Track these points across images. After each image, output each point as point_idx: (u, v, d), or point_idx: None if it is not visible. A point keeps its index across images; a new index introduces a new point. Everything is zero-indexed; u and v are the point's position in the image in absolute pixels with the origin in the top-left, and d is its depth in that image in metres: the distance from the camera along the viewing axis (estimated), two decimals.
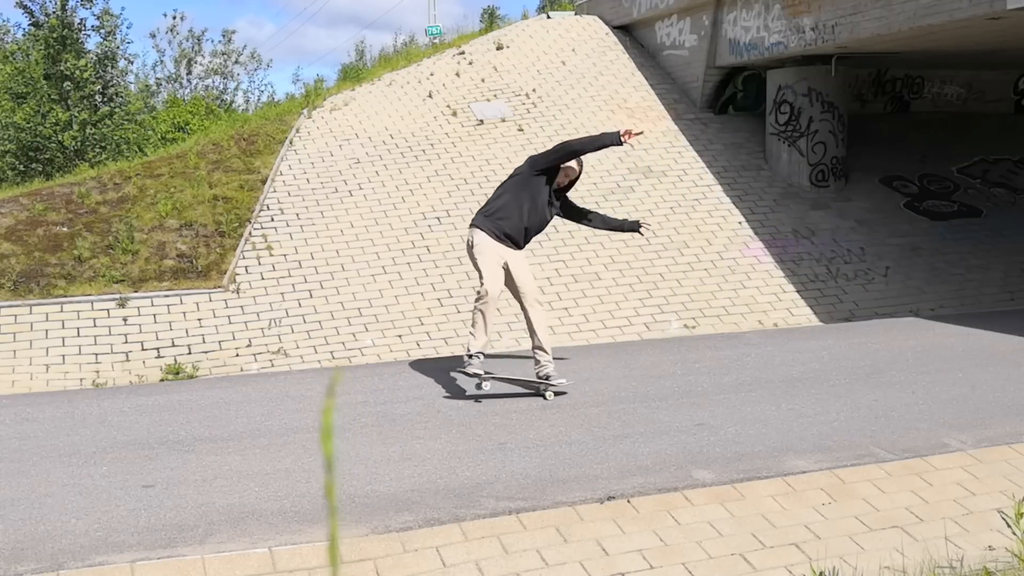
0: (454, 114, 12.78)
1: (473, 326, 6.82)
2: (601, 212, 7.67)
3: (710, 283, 10.66)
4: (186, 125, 25.22)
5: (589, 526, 4.49)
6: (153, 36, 37.78)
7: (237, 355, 8.99)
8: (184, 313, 9.40)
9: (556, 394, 6.86)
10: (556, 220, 11.27)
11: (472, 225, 7.02)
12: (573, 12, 15.85)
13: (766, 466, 5.19)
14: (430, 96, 13.15)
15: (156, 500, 4.87)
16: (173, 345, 9.03)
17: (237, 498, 4.88)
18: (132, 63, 28.24)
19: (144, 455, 5.71)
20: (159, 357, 8.89)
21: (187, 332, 9.20)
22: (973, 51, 12.11)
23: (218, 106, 30.15)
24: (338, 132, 12.40)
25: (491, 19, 21.25)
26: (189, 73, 33.41)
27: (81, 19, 20.74)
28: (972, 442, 5.58)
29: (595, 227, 7.67)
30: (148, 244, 10.17)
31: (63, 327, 9.06)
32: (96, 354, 8.85)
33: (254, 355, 9.00)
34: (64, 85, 19.99)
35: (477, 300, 6.78)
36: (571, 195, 7.47)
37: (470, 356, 6.76)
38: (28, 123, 20.07)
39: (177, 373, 8.65)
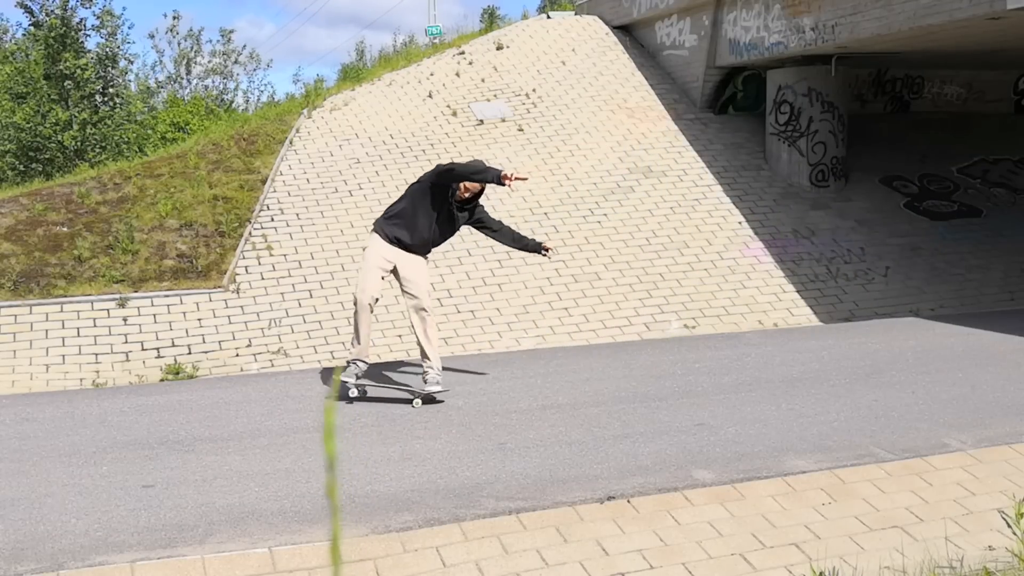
0: (454, 114, 12.78)
1: (353, 333, 6.90)
2: (510, 228, 7.54)
3: (710, 283, 10.66)
4: (186, 125, 25.21)
5: (589, 526, 4.49)
6: (152, 36, 37.79)
7: (237, 355, 8.99)
8: (184, 313, 9.40)
9: (426, 402, 6.72)
10: (556, 221, 11.28)
11: (372, 228, 7.06)
12: (573, 12, 15.85)
13: (766, 466, 5.19)
14: (430, 96, 13.15)
15: (156, 500, 4.87)
16: (173, 345, 9.03)
17: (237, 498, 4.88)
18: (132, 63, 28.26)
19: (144, 455, 5.71)
20: (159, 357, 8.89)
21: (187, 332, 9.20)
22: (973, 51, 12.11)
23: (218, 106, 30.14)
24: (338, 132, 12.40)
25: (491, 19, 21.26)
26: (188, 73, 33.41)
27: (81, 19, 20.74)
28: (972, 442, 5.58)
29: (503, 242, 7.44)
30: (148, 244, 10.17)
31: (63, 327, 9.06)
32: (96, 354, 8.85)
33: (254, 355, 9.00)
34: (64, 84, 19.99)
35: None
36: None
37: (347, 363, 6.84)
38: (28, 123, 20.07)
39: (177, 373, 8.65)
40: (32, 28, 20.98)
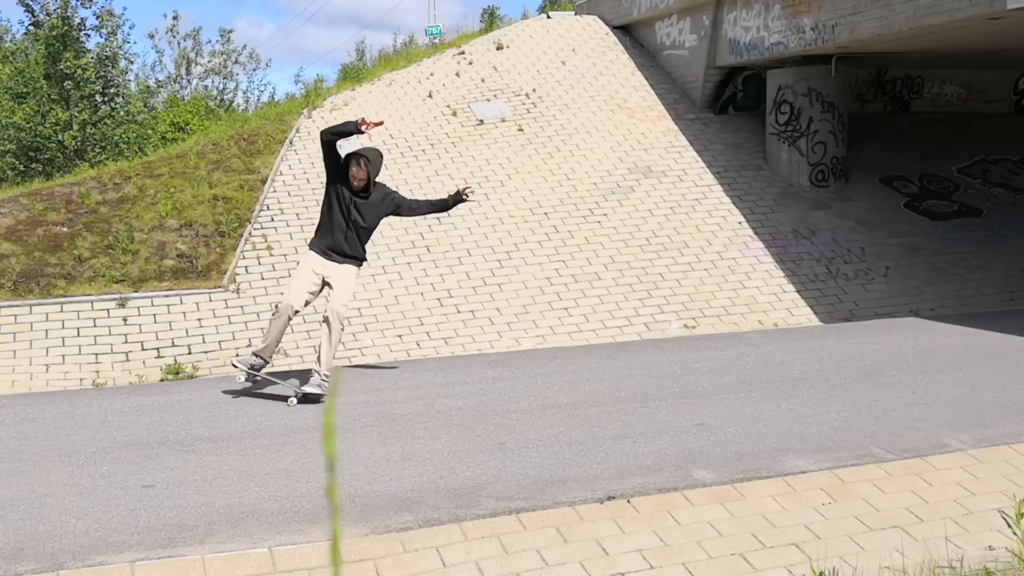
0: (454, 114, 12.78)
1: (265, 331, 7.23)
2: (427, 200, 7.77)
3: (710, 283, 10.66)
4: (186, 125, 25.21)
5: (589, 526, 4.49)
6: (152, 36, 37.79)
7: (237, 355, 8.98)
8: (184, 313, 9.40)
9: (301, 401, 6.84)
10: (556, 221, 11.25)
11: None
12: (573, 12, 15.86)
13: (766, 466, 5.19)
14: (430, 96, 13.15)
15: (156, 500, 4.87)
16: (173, 345, 9.03)
17: (237, 498, 4.88)
18: (132, 63, 28.26)
19: (144, 455, 5.71)
20: (159, 357, 8.89)
21: (187, 332, 9.19)
22: (973, 51, 12.12)
23: (218, 106, 30.15)
24: None
25: (491, 19, 21.25)
26: (188, 73, 33.42)
27: (82, 19, 20.75)
28: (972, 442, 5.58)
29: (427, 212, 7.71)
30: (148, 244, 10.17)
31: (63, 327, 9.06)
32: (96, 354, 8.84)
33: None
34: (64, 85, 19.99)
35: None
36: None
37: (253, 354, 7.15)
38: (28, 123, 20.07)
39: (177, 373, 8.65)
40: (32, 28, 20.98)
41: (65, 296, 9.36)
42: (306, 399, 6.91)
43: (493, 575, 4.13)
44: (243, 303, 9.62)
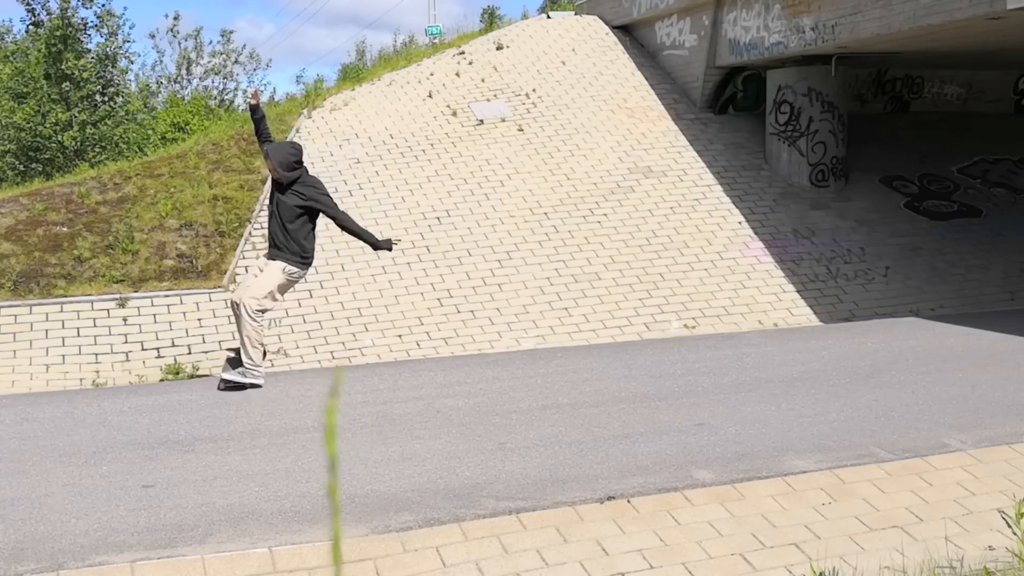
0: (454, 114, 12.78)
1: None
2: (349, 217, 8.01)
3: (710, 283, 10.66)
4: (186, 125, 25.21)
5: (589, 526, 4.49)
6: (153, 36, 37.78)
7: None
8: (184, 313, 9.40)
9: (224, 388, 7.44)
10: (556, 221, 11.25)
11: None
12: (573, 12, 15.85)
13: (766, 466, 5.19)
14: (430, 96, 13.15)
15: (156, 500, 4.87)
16: (173, 345, 9.03)
17: (237, 498, 4.88)
18: (132, 63, 28.25)
19: (144, 455, 5.71)
20: (159, 357, 8.89)
21: (187, 332, 9.20)
22: (973, 51, 12.12)
23: (218, 106, 30.14)
24: (338, 132, 12.40)
25: (491, 19, 21.24)
26: (189, 74, 33.42)
27: (82, 18, 20.74)
28: (972, 442, 5.58)
29: (348, 231, 7.82)
30: (148, 244, 10.17)
31: (63, 327, 9.06)
32: (96, 354, 8.85)
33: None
34: (64, 85, 19.98)
35: None
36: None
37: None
38: (28, 123, 20.07)
39: (177, 373, 8.65)
40: (32, 27, 20.97)
41: (65, 296, 9.36)
42: (228, 386, 7.44)
43: (493, 575, 4.13)
44: None
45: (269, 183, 7.94)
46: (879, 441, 5.62)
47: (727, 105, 13.68)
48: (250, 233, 10.50)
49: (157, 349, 8.98)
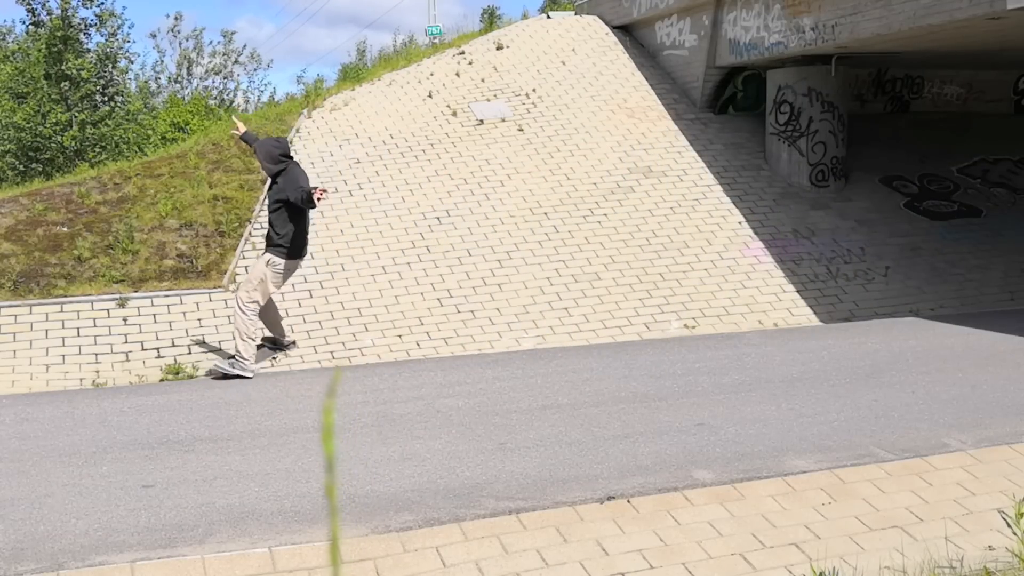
0: (454, 114, 12.78)
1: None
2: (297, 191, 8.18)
3: (710, 283, 10.66)
4: (186, 125, 25.20)
5: (589, 526, 4.49)
6: (154, 36, 37.77)
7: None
8: (184, 313, 9.40)
9: (216, 377, 7.96)
10: (556, 221, 11.30)
11: None
12: (573, 12, 15.85)
13: (766, 466, 5.19)
14: (430, 96, 13.15)
15: (156, 500, 4.87)
16: (173, 345, 9.03)
17: (237, 498, 4.88)
18: (132, 62, 28.25)
19: (144, 455, 5.71)
20: (159, 357, 8.89)
21: (187, 332, 9.20)
22: (973, 51, 12.12)
23: (218, 106, 30.14)
24: (338, 132, 12.40)
25: (491, 19, 21.24)
26: (189, 74, 33.42)
27: (82, 18, 20.73)
28: (972, 442, 5.58)
29: (296, 202, 7.93)
30: (148, 244, 10.17)
31: (63, 327, 9.06)
32: (96, 354, 8.84)
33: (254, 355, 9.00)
34: (63, 85, 19.97)
35: None
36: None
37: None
38: (28, 123, 20.06)
39: (177, 373, 8.65)
40: (33, 27, 20.97)
41: (65, 296, 9.36)
42: (216, 376, 8.00)
43: (493, 575, 4.13)
44: None
45: (269, 181, 8.30)
46: (879, 441, 5.62)
47: (727, 105, 13.68)
48: (250, 233, 10.50)
49: (157, 349, 8.97)
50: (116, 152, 20.10)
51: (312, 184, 8.29)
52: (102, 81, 20.96)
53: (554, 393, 7.04)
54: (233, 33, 36.10)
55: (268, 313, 8.31)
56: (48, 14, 20.29)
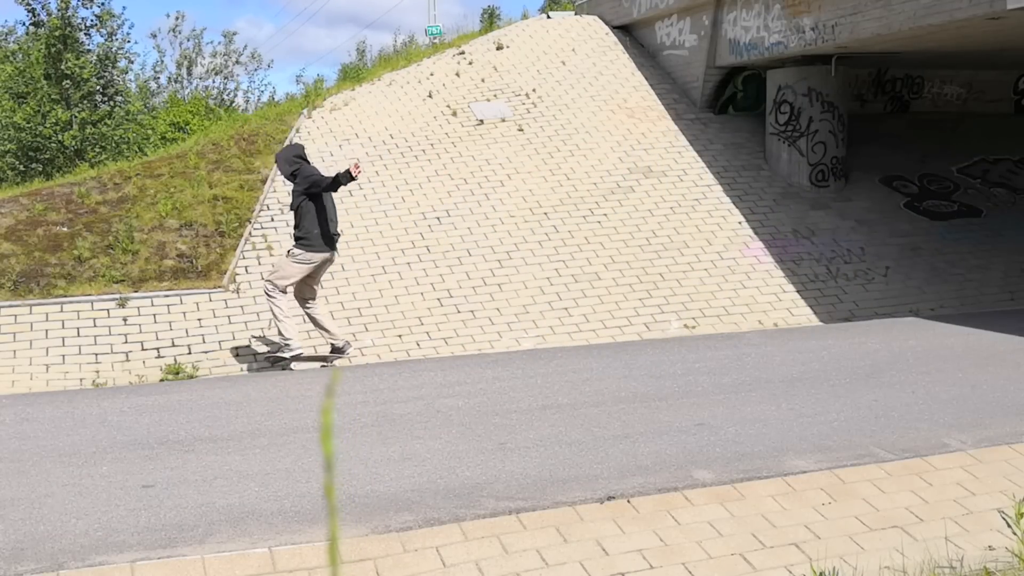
0: (454, 114, 12.78)
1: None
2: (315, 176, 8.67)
3: (710, 283, 10.66)
4: (186, 125, 25.20)
5: (589, 526, 4.49)
6: (154, 36, 37.76)
7: (237, 355, 8.99)
8: (184, 313, 9.40)
9: (273, 362, 8.55)
10: (556, 221, 11.34)
11: None
12: (573, 12, 15.85)
13: (766, 466, 5.19)
14: (430, 96, 13.15)
15: (156, 500, 4.87)
16: (173, 345, 9.03)
17: (237, 498, 4.88)
18: (132, 63, 28.23)
19: (144, 455, 5.71)
20: (159, 357, 8.89)
21: (187, 332, 9.20)
22: (973, 51, 12.12)
23: (218, 106, 30.14)
24: (338, 132, 12.40)
25: (491, 19, 21.24)
26: (189, 74, 33.42)
27: (82, 18, 20.72)
28: (972, 442, 5.58)
29: (321, 188, 8.42)
30: (148, 244, 10.17)
31: (63, 327, 9.06)
32: (96, 354, 8.85)
33: (254, 355, 9.00)
34: (64, 84, 19.97)
35: None
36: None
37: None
38: (28, 123, 20.05)
39: (177, 373, 8.65)
40: (32, 27, 20.96)
41: (65, 296, 9.36)
42: (273, 362, 8.58)
43: (493, 575, 4.13)
44: (243, 303, 9.62)
45: (288, 185, 8.96)
46: (879, 441, 5.62)
47: (727, 105, 13.68)
48: (250, 233, 10.50)
49: (157, 349, 8.98)
50: (116, 152, 20.09)
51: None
52: (102, 81, 20.95)
53: (554, 393, 7.04)
54: (234, 34, 36.13)
55: (314, 320, 8.58)
56: (48, 14, 20.28)
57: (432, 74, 13.65)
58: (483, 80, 13.50)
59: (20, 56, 23.73)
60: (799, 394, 6.78)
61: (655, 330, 9.84)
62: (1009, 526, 3.25)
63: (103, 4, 20.90)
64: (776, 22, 11.98)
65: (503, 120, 12.77)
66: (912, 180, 13.11)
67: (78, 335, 9.02)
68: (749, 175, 12.59)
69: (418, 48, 20.10)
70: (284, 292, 8.33)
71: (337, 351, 8.61)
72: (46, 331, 9.01)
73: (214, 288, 9.71)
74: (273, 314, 8.41)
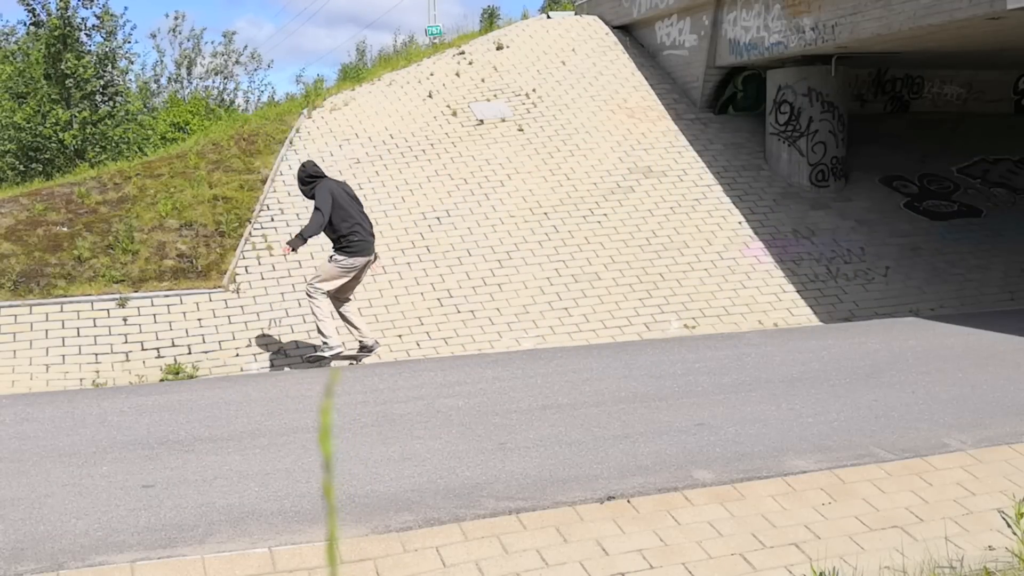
0: (454, 114, 12.78)
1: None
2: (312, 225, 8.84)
3: (710, 283, 10.66)
4: (186, 125, 25.20)
5: (589, 526, 4.49)
6: (154, 36, 37.77)
7: (237, 355, 8.99)
8: (184, 313, 9.40)
9: (312, 361, 8.70)
10: (556, 221, 11.34)
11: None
12: (573, 12, 15.85)
13: (766, 466, 5.19)
14: (430, 96, 13.15)
15: (156, 500, 4.87)
16: (173, 345, 9.03)
17: (237, 498, 4.88)
18: (132, 63, 28.25)
19: (144, 455, 5.71)
20: (159, 357, 8.89)
21: (187, 332, 9.20)
22: (973, 51, 12.12)
23: (218, 106, 30.13)
24: (338, 132, 12.40)
25: (491, 19, 21.23)
26: (189, 74, 33.43)
27: (82, 19, 20.73)
28: (972, 442, 5.58)
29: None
30: (148, 244, 10.17)
31: (63, 327, 9.06)
32: (96, 354, 8.85)
33: (254, 355, 9.00)
34: (65, 83, 19.97)
35: None
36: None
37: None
38: (28, 123, 20.06)
39: (177, 373, 8.65)
40: (32, 28, 20.96)
41: (65, 296, 9.36)
42: (312, 362, 8.73)
43: (493, 575, 4.13)
44: (243, 303, 9.62)
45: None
46: (879, 441, 5.62)
47: (727, 105, 13.68)
48: (250, 233, 10.51)
49: (157, 349, 8.98)
50: (116, 152, 20.09)
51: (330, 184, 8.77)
52: (102, 81, 20.95)
53: (554, 393, 7.03)
54: (234, 34, 36.13)
55: (345, 317, 8.72)
56: (48, 15, 20.28)
57: (432, 74, 13.65)
58: (483, 80, 13.50)
59: (20, 56, 23.72)
60: (799, 394, 6.78)
61: (655, 330, 9.84)
62: (1009, 526, 3.25)
63: (103, 4, 20.91)
64: (776, 22, 11.98)
65: (503, 120, 12.77)
66: (912, 180, 13.11)
67: (78, 335, 9.02)
68: (749, 175, 12.59)
69: (418, 48, 20.11)
70: (325, 294, 8.48)
71: (366, 349, 8.68)
72: (46, 331, 9.01)
73: (214, 288, 9.71)
74: (313, 314, 8.56)
